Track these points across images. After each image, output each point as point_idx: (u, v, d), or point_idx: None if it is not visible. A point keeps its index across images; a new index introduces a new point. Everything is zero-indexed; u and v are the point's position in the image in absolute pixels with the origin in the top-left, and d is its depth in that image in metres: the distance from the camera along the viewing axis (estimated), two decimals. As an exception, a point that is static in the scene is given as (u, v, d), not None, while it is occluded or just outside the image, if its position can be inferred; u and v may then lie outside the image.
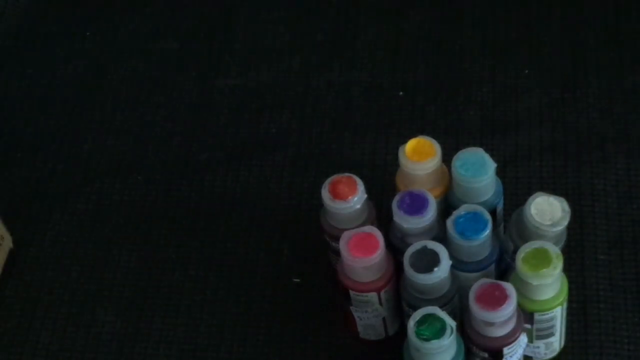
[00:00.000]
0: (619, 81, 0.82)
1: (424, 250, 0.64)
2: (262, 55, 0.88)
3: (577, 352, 0.69)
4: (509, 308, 0.61)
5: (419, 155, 0.68)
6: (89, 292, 0.75)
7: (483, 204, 0.67)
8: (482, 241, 0.65)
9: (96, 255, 0.77)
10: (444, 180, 0.70)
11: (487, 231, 0.64)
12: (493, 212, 0.68)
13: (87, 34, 0.91)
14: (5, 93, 0.88)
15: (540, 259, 0.63)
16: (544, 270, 0.62)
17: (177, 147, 0.83)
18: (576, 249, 0.73)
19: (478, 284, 0.62)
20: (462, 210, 0.65)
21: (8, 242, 0.77)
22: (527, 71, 0.84)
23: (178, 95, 0.86)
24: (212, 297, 0.74)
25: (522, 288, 0.63)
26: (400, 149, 0.68)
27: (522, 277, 0.63)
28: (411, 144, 0.68)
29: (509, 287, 0.61)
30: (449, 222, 0.65)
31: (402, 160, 0.68)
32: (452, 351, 0.62)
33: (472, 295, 0.61)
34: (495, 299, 0.61)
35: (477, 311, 0.61)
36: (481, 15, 0.88)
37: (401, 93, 0.84)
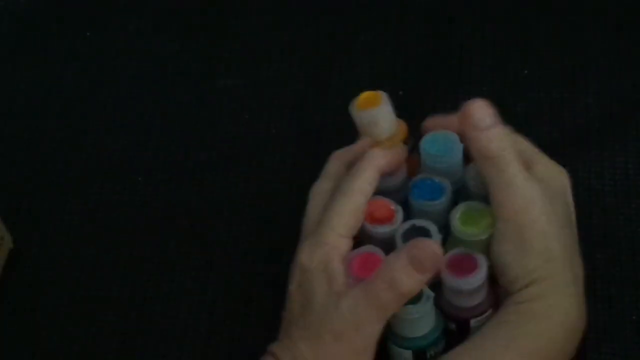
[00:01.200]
0: (619, 81, 0.82)
1: (414, 228, 0.64)
2: (262, 55, 0.88)
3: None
4: (478, 276, 0.61)
5: (370, 104, 0.67)
6: (89, 292, 0.76)
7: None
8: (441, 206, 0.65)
9: (96, 255, 0.77)
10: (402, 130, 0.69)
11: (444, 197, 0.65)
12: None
13: (87, 34, 0.91)
14: (4, 93, 0.88)
15: (476, 215, 0.64)
16: (485, 221, 0.63)
17: (177, 147, 0.83)
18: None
19: (451, 253, 0.63)
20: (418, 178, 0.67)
21: (8, 242, 0.77)
22: (526, 71, 0.84)
23: (178, 95, 0.86)
24: (212, 297, 0.74)
25: (473, 249, 0.64)
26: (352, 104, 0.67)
27: (469, 237, 0.63)
28: (362, 96, 0.67)
29: (480, 258, 0.62)
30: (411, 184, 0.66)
31: (354, 113, 0.67)
32: (429, 321, 0.63)
33: (443, 262, 0.62)
34: (466, 267, 0.62)
35: (447, 278, 0.62)
36: (481, 15, 0.88)
37: (400, 93, 0.84)
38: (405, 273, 0.60)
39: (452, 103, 0.82)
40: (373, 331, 0.61)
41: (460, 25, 0.88)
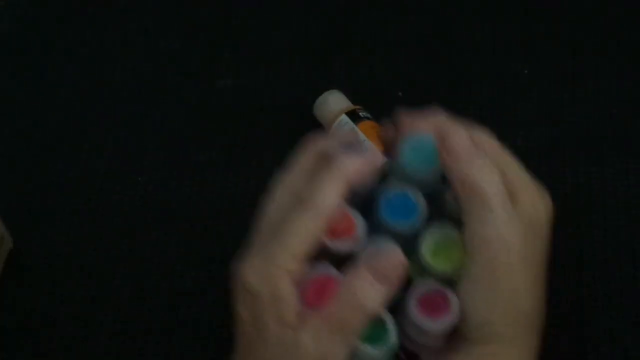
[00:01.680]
0: (619, 81, 0.82)
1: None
2: (262, 55, 0.88)
3: (574, 350, 0.69)
4: (449, 320, 0.56)
5: None
6: (89, 292, 0.76)
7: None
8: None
9: (96, 255, 0.77)
10: None
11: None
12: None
13: (87, 34, 0.91)
14: (5, 93, 0.88)
15: (448, 245, 0.57)
16: (457, 255, 0.57)
17: (177, 147, 0.83)
18: (574, 249, 0.73)
19: (422, 287, 0.56)
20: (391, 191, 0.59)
21: (8, 242, 0.77)
22: (526, 71, 0.84)
23: (178, 95, 0.86)
24: (213, 297, 0.74)
25: (440, 281, 0.57)
26: None
27: (438, 273, 0.57)
28: None
29: (452, 298, 0.56)
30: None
31: None
32: None
33: (413, 299, 0.56)
34: (436, 306, 0.56)
35: (415, 315, 0.56)
36: (481, 15, 0.88)
37: (400, 94, 0.84)
38: (367, 287, 0.54)
39: (452, 103, 0.83)
40: (340, 358, 0.54)
41: (460, 25, 0.88)
